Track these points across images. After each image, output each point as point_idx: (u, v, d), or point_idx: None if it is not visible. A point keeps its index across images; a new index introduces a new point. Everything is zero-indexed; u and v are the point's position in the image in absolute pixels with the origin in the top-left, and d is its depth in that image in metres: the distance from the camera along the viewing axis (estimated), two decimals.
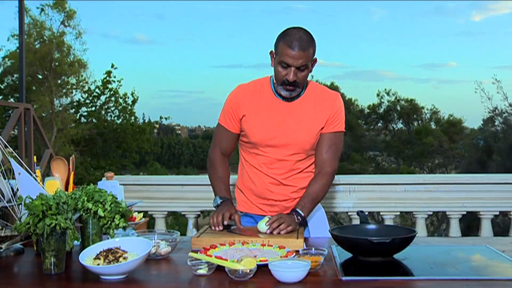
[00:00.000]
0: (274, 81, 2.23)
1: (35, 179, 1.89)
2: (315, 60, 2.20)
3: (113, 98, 21.29)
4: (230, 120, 2.30)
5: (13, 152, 1.98)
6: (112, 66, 21.01)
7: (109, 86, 21.13)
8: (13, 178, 1.92)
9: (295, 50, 2.07)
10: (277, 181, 2.29)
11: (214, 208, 2.27)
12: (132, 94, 21.51)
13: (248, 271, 1.51)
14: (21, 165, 1.93)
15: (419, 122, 24.89)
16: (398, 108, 25.15)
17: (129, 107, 21.37)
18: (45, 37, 20.44)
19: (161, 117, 23.04)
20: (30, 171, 1.93)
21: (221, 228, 2.07)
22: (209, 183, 2.42)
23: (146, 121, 22.60)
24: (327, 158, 2.27)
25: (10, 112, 16.70)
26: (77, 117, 21.57)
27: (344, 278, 1.55)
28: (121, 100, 21.37)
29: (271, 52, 2.22)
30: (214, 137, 2.42)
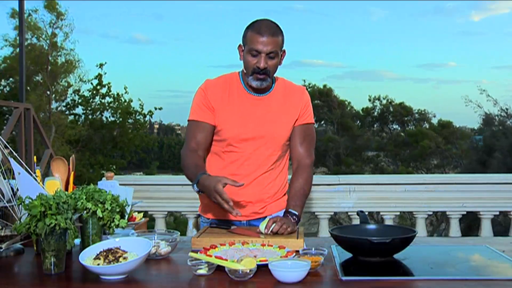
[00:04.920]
0: (244, 71, 2.18)
1: (35, 179, 1.89)
2: (284, 52, 2.19)
3: (108, 98, 21.18)
4: (203, 111, 2.20)
5: (13, 152, 1.98)
6: (101, 65, 20.77)
7: (103, 83, 20.99)
8: (13, 178, 1.92)
9: (264, 36, 2.07)
10: (250, 180, 2.21)
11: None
12: (125, 89, 21.33)
13: (248, 271, 1.51)
14: (21, 165, 1.93)
15: (413, 123, 25.13)
16: (391, 109, 25.40)
17: (125, 105, 21.19)
18: (34, 40, 20.44)
19: (155, 108, 22.71)
20: (30, 171, 1.93)
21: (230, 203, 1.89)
22: None
23: (143, 120, 22.38)
24: (303, 150, 2.27)
25: (7, 115, 16.70)
26: (73, 118, 21.51)
27: (344, 278, 1.55)
28: (111, 99, 21.18)
29: (239, 47, 2.19)
30: (186, 136, 2.27)
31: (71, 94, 21.58)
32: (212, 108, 2.20)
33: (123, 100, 21.16)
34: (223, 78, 2.28)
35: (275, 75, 2.25)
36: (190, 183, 2.09)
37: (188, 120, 2.26)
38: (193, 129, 2.23)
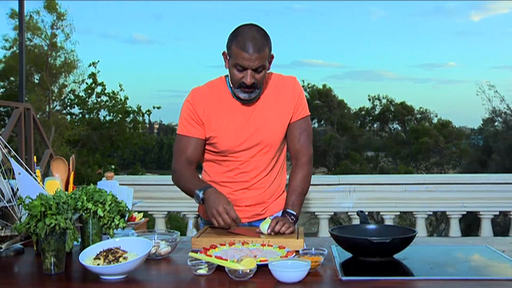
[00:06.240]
0: (231, 84, 2.12)
1: (35, 179, 1.89)
2: (272, 57, 2.09)
3: (104, 97, 21.15)
4: (192, 126, 2.15)
5: (12, 151, 1.98)
6: (93, 64, 20.71)
7: (97, 82, 20.97)
8: (13, 178, 1.92)
9: (249, 52, 1.95)
10: (249, 185, 2.21)
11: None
12: (120, 86, 21.29)
13: (248, 271, 1.51)
14: (21, 165, 1.93)
15: (414, 122, 25.24)
16: (392, 109, 25.48)
17: (121, 103, 21.15)
18: (34, 41, 20.45)
19: (154, 107, 22.75)
20: (30, 171, 1.93)
21: (235, 225, 1.93)
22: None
23: (141, 120, 22.36)
24: (301, 146, 2.21)
25: (6, 116, 16.67)
26: (70, 118, 21.51)
27: (344, 278, 1.55)
28: (106, 98, 21.16)
29: (223, 54, 2.09)
30: (175, 149, 2.21)
31: (68, 93, 21.61)
32: (201, 122, 2.14)
33: (118, 98, 21.15)
34: (209, 86, 2.19)
35: None
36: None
37: (176, 133, 2.22)
38: (183, 144, 2.17)
